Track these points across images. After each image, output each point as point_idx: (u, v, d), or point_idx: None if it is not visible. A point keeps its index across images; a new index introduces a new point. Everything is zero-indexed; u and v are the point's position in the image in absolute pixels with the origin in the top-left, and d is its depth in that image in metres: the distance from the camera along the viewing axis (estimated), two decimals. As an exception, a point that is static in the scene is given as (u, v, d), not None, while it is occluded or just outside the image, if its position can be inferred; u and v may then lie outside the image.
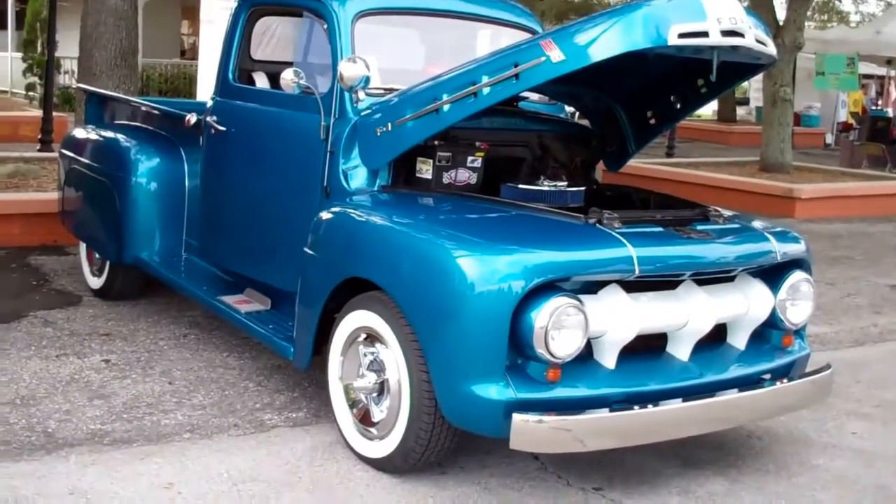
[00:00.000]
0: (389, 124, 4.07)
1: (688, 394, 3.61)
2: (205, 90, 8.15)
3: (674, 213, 3.90)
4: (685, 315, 3.66)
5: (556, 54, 3.59)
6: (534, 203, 4.05)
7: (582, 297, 3.42)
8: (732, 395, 3.66)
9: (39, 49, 17.82)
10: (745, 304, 3.85)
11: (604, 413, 3.36)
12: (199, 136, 5.19)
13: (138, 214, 5.51)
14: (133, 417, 4.15)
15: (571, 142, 4.66)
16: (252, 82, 5.01)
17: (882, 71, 22.28)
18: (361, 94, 4.20)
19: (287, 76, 4.20)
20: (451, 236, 3.56)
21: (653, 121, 4.55)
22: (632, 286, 3.57)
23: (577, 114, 5.08)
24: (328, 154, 4.22)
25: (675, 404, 3.50)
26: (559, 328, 3.33)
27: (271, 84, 5.05)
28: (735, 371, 3.84)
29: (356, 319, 3.82)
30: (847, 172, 14.55)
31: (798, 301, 3.98)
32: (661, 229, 3.70)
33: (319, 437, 4.07)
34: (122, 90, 7.98)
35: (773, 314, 3.93)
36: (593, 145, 4.72)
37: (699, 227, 3.81)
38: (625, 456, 3.88)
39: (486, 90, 3.78)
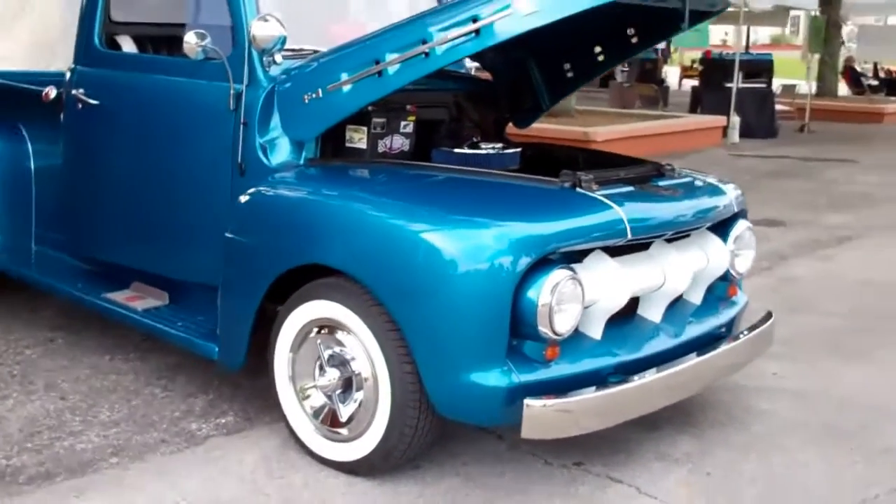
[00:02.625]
0: (320, 90, 3.64)
1: (669, 357, 3.48)
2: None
3: (634, 170, 3.71)
4: (662, 275, 3.51)
5: (524, 5, 3.29)
6: (474, 168, 3.76)
7: (573, 266, 3.18)
8: (713, 354, 3.54)
9: None
10: (705, 259, 3.75)
11: (611, 389, 3.15)
12: (48, 112, 4.52)
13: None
14: (40, 446, 3.56)
15: (484, 100, 4.39)
16: (117, 48, 4.39)
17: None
18: (279, 58, 3.75)
19: (191, 39, 3.67)
20: (434, 213, 3.21)
21: (570, 74, 4.34)
22: (610, 251, 3.37)
23: (475, 68, 4.81)
24: (241, 126, 3.73)
25: (670, 370, 3.35)
26: (562, 303, 3.08)
27: (140, 49, 4.46)
28: (699, 328, 3.73)
29: (309, 311, 3.41)
30: (625, 113, 15.07)
31: (743, 250, 3.93)
32: (632, 189, 3.51)
33: (263, 443, 3.65)
34: None
35: (720, 266, 3.86)
36: (505, 103, 4.46)
37: (661, 184, 3.66)
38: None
39: (439, 48, 3.43)
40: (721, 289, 3.97)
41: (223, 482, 3.33)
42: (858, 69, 24.38)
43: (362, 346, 3.27)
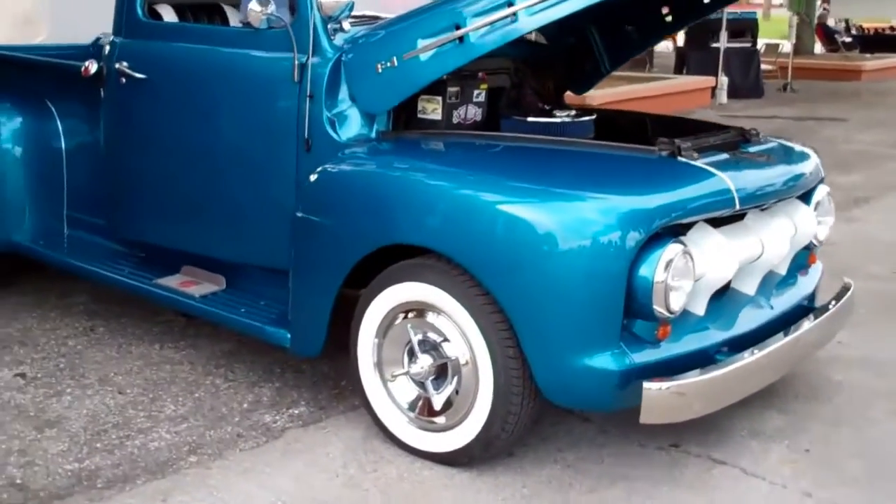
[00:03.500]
0: (395, 58, 3.43)
1: (766, 332, 3.34)
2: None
3: (722, 136, 3.54)
4: (761, 245, 3.36)
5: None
6: (551, 137, 3.58)
7: (683, 240, 3.03)
8: (808, 328, 3.41)
9: None
10: (794, 227, 3.60)
11: (724, 370, 3.00)
12: (80, 87, 4.28)
13: (5, 188, 4.52)
14: (110, 445, 3.37)
15: (542, 65, 4.20)
16: (158, 18, 4.15)
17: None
18: (346, 25, 3.55)
19: (254, 7, 3.45)
20: (538, 187, 3.03)
21: (634, 36, 4.17)
22: (711, 223, 3.22)
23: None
24: (307, 99, 3.52)
25: (774, 346, 3.21)
26: (676, 279, 2.92)
27: (180, 19, 4.22)
28: (789, 300, 3.60)
29: (397, 294, 3.23)
30: (615, 76, 14.89)
31: (824, 217, 3.79)
32: (728, 156, 3.35)
33: (343, 434, 3.48)
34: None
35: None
36: (563, 68, 4.28)
37: (752, 150, 3.50)
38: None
39: (527, 11, 3.24)
40: (803, 258, 3.84)
41: (314, 478, 3.16)
42: (831, 26, 24.37)
43: (459, 330, 3.11)
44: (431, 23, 3.42)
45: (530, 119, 3.74)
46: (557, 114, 3.77)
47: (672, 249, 2.92)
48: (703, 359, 3.10)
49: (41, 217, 4.63)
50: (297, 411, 3.65)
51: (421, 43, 3.41)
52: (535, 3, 3.24)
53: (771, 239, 3.38)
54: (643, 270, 2.90)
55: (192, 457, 3.29)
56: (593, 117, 3.82)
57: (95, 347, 4.24)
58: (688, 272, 2.97)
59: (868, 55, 21.84)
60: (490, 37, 3.33)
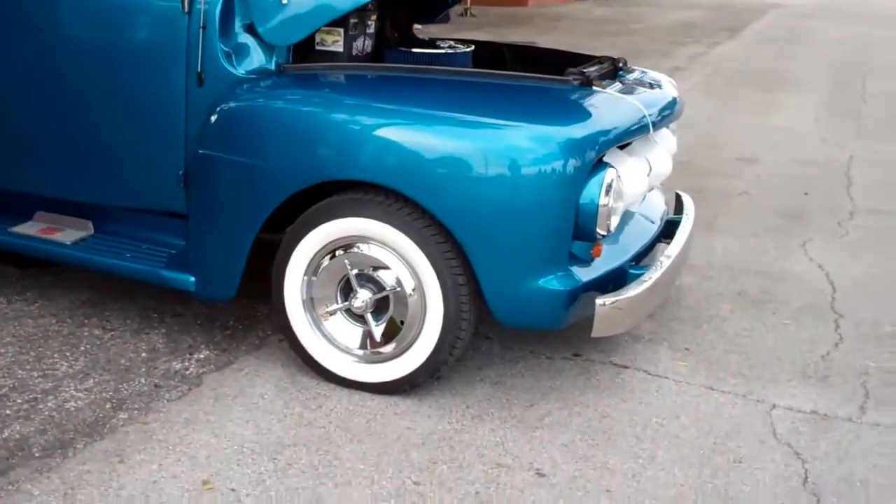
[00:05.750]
0: (301, -11, 3.34)
1: (651, 246, 3.67)
2: None
3: (604, 66, 3.77)
4: (649, 165, 3.65)
5: None
6: (428, 66, 3.65)
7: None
8: (685, 236, 3.75)
9: None
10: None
11: (647, 283, 3.27)
12: None
13: None
14: (24, 411, 3.10)
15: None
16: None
17: None
18: (242, -47, 3.38)
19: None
20: (484, 120, 3.09)
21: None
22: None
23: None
24: (200, 31, 3.34)
25: (676, 256, 3.52)
26: (616, 201, 3.15)
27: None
28: (657, 212, 3.94)
29: (331, 230, 3.20)
30: None
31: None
32: (623, 85, 3.59)
33: (266, 374, 3.43)
34: None
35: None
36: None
37: (632, 78, 3.76)
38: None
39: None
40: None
41: (264, 421, 3.11)
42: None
43: (402, 261, 3.15)
44: (343, -48, 3.35)
45: (415, 50, 3.77)
46: (440, 45, 3.82)
47: (610, 174, 3.12)
48: (620, 274, 3.35)
49: None
50: (201, 356, 3.52)
51: (331, -28, 3.33)
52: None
53: (656, 159, 3.67)
54: (587, 195, 3.07)
55: (121, 413, 3.11)
56: (472, 48, 3.91)
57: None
58: (621, 194, 3.20)
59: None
60: None
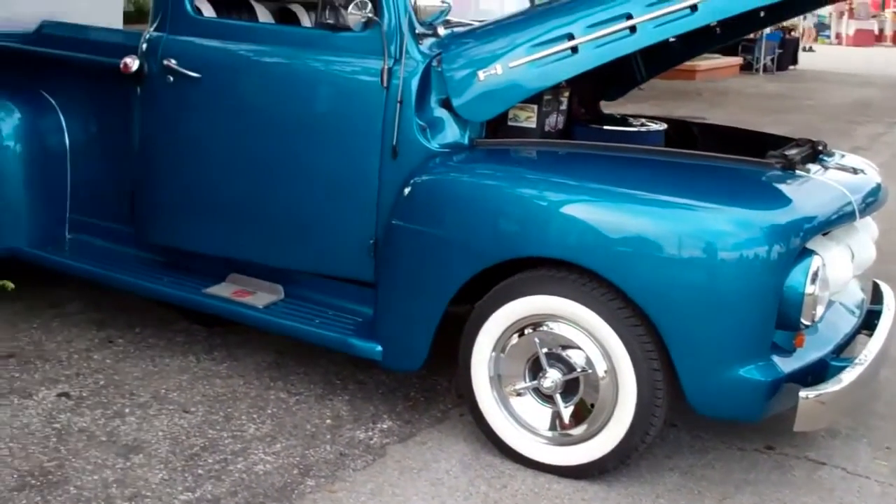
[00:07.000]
0: (499, 66, 3.35)
1: (852, 337, 3.49)
2: None
3: (804, 148, 3.64)
4: (851, 254, 3.48)
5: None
6: (622, 144, 3.59)
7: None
8: (886, 326, 3.54)
9: None
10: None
11: (852, 377, 3.09)
12: (88, 80, 4.02)
13: (6, 189, 4.14)
14: (214, 471, 3.15)
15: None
16: (198, 12, 3.88)
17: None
18: (441, 30, 3.45)
19: (353, 8, 3.30)
20: (687, 202, 3.01)
21: (679, 47, 4.22)
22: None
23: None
24: (397, 105, 3.39)
25: (876, 348, 3.32)
26: (822, 290, 3.01)
27: (218, 13, 3.98)
28: (856, 302, 3.75)
29: (523, 306, 3.16)
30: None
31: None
32: (827, 169, 3.45)
33: (448, 448, 3.39)
34: None
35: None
36: (601, 74, 4.29)
37: (834, 163, 3.61)
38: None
39: (648, 24, 3.24)
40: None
41: (452, 499, 3.06)
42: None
43: (595, 343, 3.08)
44: (541, 30, 3.36)
45: (607, 127, 3.74)
46: (633, 122, 3.78)
47: (816, 261, 2.99)
48: (821, 366, 3.19)
49: (39, 217, 4.26)
50: (384, 426, 3.52)
51: (529, 51, 3.34)
52: (654, 18, 3.24)
53: (859, 247, 3.51)
54: (792, 283, 2.95)
55: (309, 479, 3.13)
56: (665, 127, 3.86)
57: (126, 361, 3.95)
58: (826, 283, 3.06)
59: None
60: (604, 49, 3.31)
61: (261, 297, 3.76)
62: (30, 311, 4.43)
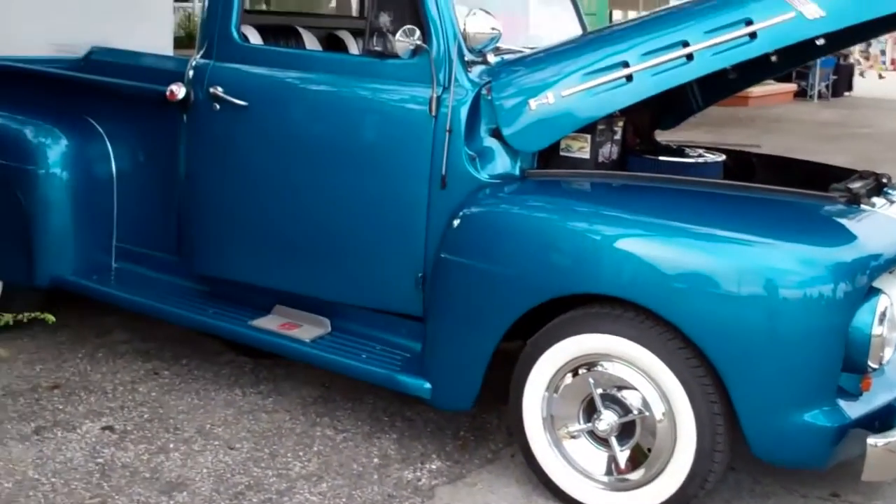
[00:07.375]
0: (551, 95, 3.27)
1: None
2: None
3: (867, 181, 3.50)
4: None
5: (811, 10, 3.03)
6: (679, 176, 3.47)
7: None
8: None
9: None
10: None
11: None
12: (135, 107, 4.01)
13: (53, 218, 4.12)
14: (258, 510, 3.07)
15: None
16: (245, 39, 3.84)
17: None
18: (491, 58, 3.37)
19: (402, 37, 3.24)
20: (749, 238, 2.89)
21: (732, 75, 4.09)
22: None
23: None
24: (446, 134, 3.31)
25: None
26: (890, 331, 2.87)
27: (265, 40, 3.94)
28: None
29: (577, 345, 3.05)
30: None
31: None
32: (888, 203, 3.31)
33: (499, 490, 3.29)
34: None
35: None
36: (657, 103, 4.18)
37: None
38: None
39: (706, 52, 3.13)
40: None
41: (499, 544, 2.96)
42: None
43: (653, 385, 2.95)
44: (595, 58, 3.27)
45: (663, 158, 3.63)
46: (690, 153, 3.67)
47: (884, 300, 2.85)
48: (889, 411, 3.03)
49: (85, 246, 4.23)
50: (433, 466, 3.42)
51: (583, 80, 3.25)
52: (712, 45, 3.13)
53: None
54: (858, 324, 2.81)
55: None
56: (723, 158, 3.73)
57: (172, 394, 3.90)
58: (894, 323, 2.91)
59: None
60: (660, 77, 3.22)
61: (307, 330, 3.68)
62: (76, 340, 4.40)
